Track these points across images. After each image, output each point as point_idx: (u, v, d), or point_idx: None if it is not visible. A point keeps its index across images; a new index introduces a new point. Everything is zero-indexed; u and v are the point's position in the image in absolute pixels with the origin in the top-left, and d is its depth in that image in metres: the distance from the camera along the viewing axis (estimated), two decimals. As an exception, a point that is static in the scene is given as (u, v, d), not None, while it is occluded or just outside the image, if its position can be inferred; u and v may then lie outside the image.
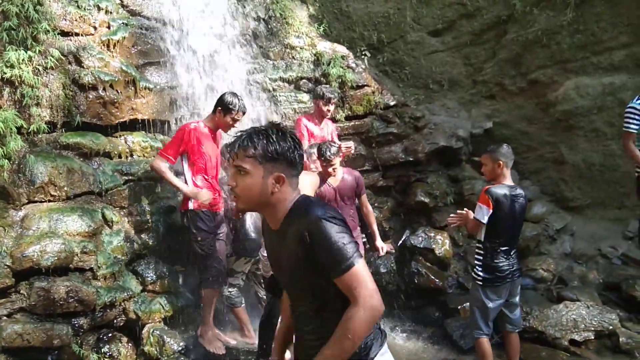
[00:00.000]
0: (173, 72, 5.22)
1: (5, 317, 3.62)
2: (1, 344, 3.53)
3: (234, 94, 4.30)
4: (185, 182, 4.22)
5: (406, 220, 6.03)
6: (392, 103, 6.32)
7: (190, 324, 4.42)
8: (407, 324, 5.22)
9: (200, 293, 4.27)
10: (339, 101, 6.10)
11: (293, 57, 6.17)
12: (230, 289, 4.38)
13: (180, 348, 4.15)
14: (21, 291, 3.74)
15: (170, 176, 4.18)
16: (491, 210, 3.57)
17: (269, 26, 6.19)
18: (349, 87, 6.17)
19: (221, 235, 4.34)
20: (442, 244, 5.47)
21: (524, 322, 4.41)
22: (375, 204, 5.86)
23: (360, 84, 6.24)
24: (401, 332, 5.15)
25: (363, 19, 6.90)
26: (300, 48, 6.24)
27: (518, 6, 6.00)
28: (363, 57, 6.69)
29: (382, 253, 4.32)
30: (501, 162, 3.66)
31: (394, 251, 5.52)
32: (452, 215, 3.93)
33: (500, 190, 3.61)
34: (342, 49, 6.40)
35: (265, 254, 3.68)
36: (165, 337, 4.14)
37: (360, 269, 1.65)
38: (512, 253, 3.74)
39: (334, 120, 6.02)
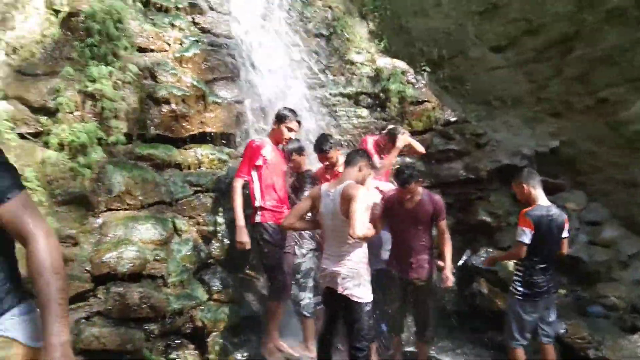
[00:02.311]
0: (239, 87, 5.38)
1: (83, 320, 3.78)
2: (79, 346, 3.68)
3: (288, 108, 4.51)
4: (254, 198, 4.32)
5: (466, 239, 5.90)
6: (452, 119, 6.26)
7: (254, 333, 4.47)
8: (468, 346, 5.09)
9: (266, 304, 4.32)
10: (399, 116, 6.11)
11: (353, 73, 6.23)
12: (304, 297, 4.41)
13: (243, 358, 4.22)
14: (99, 295, 3.91)
15: (237, 203, 4.26)
16: (533, 231, 3.83)
17: (330, 42, 6.28)
18: (408, 103, 6.16)
19: (288, 248, 4.40)
20: (504, 265, 5.31)
21: (597, 351, 4.23)
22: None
23: (420, 100, 6.22)
24: (461, 355, 5.03)
25: (423, 34, 6.90)
26: (360, 64, 6.30)
27: (588, 22, 5.83)
28: (423, 72, 6.65)
29: (445, 284, 4.18)
30: (524, 186, 3.99)
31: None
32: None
33: (537, 212, 3.88)
34: (402, 65, 6.40)
35: (324, 266, 3.68)
36: (229, 346, 4.22)
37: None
38: (549, 270, 3.97)
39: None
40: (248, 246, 4.26)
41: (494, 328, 5.14)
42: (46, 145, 4.06)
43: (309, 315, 4.45)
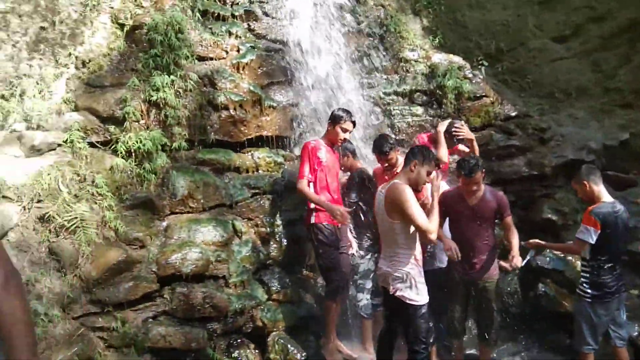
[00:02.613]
0: (293, 90, 5.45)
1: (151, 319, 3.97)
2: (147, 344, 3.86)
3: (342, 109, 4.52)
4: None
5: (530, 238, 5.65)
6: (513, 114, 6.03)
7: (313, 334, 4.52)
8: (534, 351, 4.88)
9: (323, 304, 4.36)
10: (455, 113, 5.97)
11: (407, 70, 6.14)
12: (362, 298, 4.42)
13: (303, 358, 4.26)
14: (164, 295, 4.09)
15: (313, 195, 4.31)
16: (599, 231, 3.68)
17: (383, 41, 6.22)
18: (465, 99, 5.99)
19: (344, 248, 4.41)
20: (572, 265, 5.05)
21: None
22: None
23: (478, 95, 6.04)
24: (525, 358, 4.83)
25: (479, 27, 6.70)
26: (415, 61, 6.19)
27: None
28: (480, 66, 6.46)
29: (512, 263, 3.96)
30: (586, 183, 3.82)
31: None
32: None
33: (603, 209, 3.73)
34: (458, 60, 6.24)
35: (380, 266, 3.67)
36: (289, 345, 4.27)
37: None
38: (617, 269, 3.82)
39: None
40: (347, 218, 4.21)
41: (559, 330, 4.91)
42: (114, 152, 4.30)
43: (366, 316, 4.44)
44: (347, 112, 4.46)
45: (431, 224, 3.38)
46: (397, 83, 6.01)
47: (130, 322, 3.79)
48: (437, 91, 6.00)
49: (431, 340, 3.67)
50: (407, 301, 3.46)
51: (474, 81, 6.11)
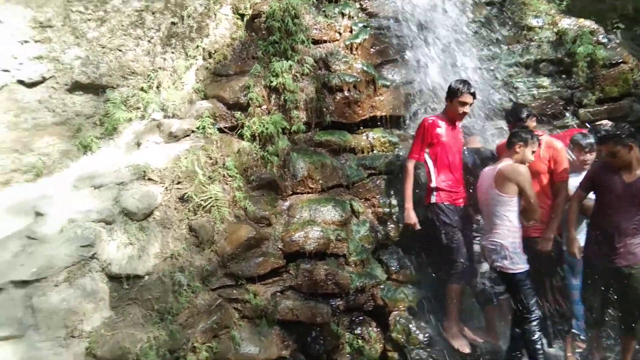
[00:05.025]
0: (407, 68, 5.32)
1: (279, 293, 4.17)
2: (276, 317, 4.07)
3: (460, 80, 4.32)
4: (430, 179, 4.27)
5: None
6: (656, 81, 5.34)
7: (434, 315, 4.45)
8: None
9: (446, 287, 4.26)
10: (588, 83, 5.44)
11: (531, 39, 5.70)
12: (483, 283, 4.28)
13: (425, 339, 4.22)
14: (290, 271, 4.27)
15: (406, 184, 4.30)
16: None
17: (503, 9, 5.82)
18: (599, 66, 5.44)
19: (467, 229, 4.26)
20: None
21: None
22: None
23: (614, 62, 5.45)
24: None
25: (615, -14, 6.00)
26: (539, 28, 5.73)
27: None
28: (616, 30, 5.81)
29: None
30: None
31: None
32: None
33: None
34: (589, 24, 5.66)
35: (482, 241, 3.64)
36: (411, 326, 4.26)
37: None
38: None
39: (580, 104, 5.42)
40: (417, 227, 4.27)
41: None
42: (241, 137, 4.55)
43: (486, 301, 4.28)
44: (465, 83, 4.25)
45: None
46: (520, 53, 5.62)
47: (260, 295, 4.02)
48: (566, 59, 5.52)
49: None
50: (506, 271, 3.76)
51: (609, 46, 5.53)
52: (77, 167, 4.38)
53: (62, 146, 4.39)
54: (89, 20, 4.37)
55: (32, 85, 4.24)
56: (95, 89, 4.48)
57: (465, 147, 4.55)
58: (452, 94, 4.24)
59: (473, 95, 4.25)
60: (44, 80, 4.27)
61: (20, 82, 4.19)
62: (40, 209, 3.77)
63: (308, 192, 4.66)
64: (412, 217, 4.28)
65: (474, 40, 5.59)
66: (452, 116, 4.31)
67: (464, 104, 4.21)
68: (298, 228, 4.33)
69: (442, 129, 4.27)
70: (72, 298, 3.32)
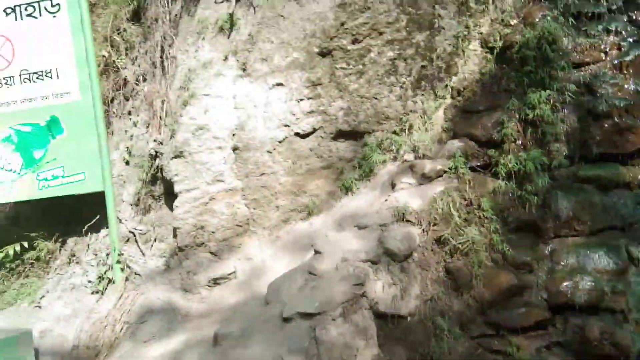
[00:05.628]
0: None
1: (544, 349, 3.85)
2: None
3: None
4: None
5: None
6: None
7: None
8: None
9: None
10: None
11: None
12: None
13: None
14: (556, 325, 3.91)
15: None
16: None
17: None
18: None
19: None
20: None
21: None
22: None
23: None
24: None
25: None
26: None
27: None
28: None
29: None
30: None
31: None
32: None
33: None
34: None
35: None
36: None
37: None
38: None
39: None
40: None
41: None
42: (494, 175, 4.41)
43: None
44: None
45: None
46: None
47: (524, 349, 3.78)
48: None
49: None
50: None
51: None
52: (340, 206, 4.86)
53: (328, 188, 4.93)
54: (350, 74, 4.83)
55: (305, 136, 4.90)
56: (354, 135, 4.93)
57: None
58: None
59: None
60: (314, 130, 4.88)
61: (297, 134, 4.88)
62: (317, 247, 4.30)
63: (573, 235, 4.22)
64: None
65: None
66: None
67: None
68: (565, 277, 3.95)
69: None
70: (348, 333, 3.67)
